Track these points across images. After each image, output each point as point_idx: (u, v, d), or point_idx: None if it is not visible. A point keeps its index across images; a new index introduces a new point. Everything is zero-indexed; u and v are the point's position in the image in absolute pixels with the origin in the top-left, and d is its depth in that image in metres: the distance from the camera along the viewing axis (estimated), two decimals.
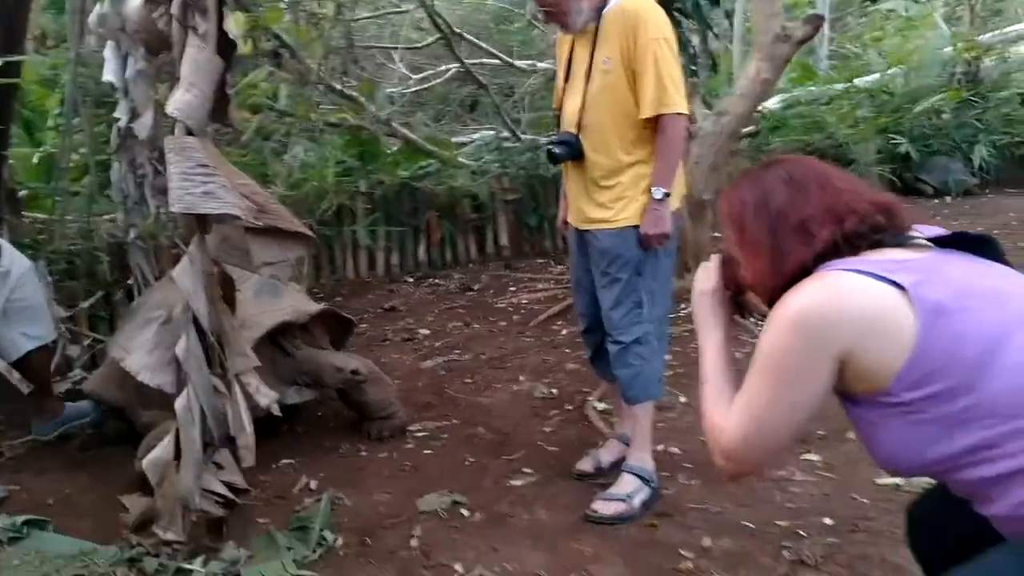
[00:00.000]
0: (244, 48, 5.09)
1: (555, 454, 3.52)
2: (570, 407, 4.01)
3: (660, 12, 2.85)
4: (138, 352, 2.94)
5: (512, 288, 6.26)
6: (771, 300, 1.57)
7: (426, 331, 5.30)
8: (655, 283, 2.98)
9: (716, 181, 5.27)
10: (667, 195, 2.84)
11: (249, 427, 2.77)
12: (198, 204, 2.62)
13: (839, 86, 9.81)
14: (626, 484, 3.02)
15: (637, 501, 2.98)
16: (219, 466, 2.86)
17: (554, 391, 4.21)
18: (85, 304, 4.45)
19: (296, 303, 3.72)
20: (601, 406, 3.95)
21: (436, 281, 6.55)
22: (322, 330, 3.94)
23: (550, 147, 3.01)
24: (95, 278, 4.61)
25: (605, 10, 2.85)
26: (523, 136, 7.84)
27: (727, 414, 1.60)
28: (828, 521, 2.89)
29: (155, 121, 3.09)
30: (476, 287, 6.32)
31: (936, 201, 8.99)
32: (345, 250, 6.53)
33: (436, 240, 6.94)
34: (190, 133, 2.67)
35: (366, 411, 3.74)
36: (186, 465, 2.66)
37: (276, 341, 3.62)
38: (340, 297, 6.10)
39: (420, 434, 3.76)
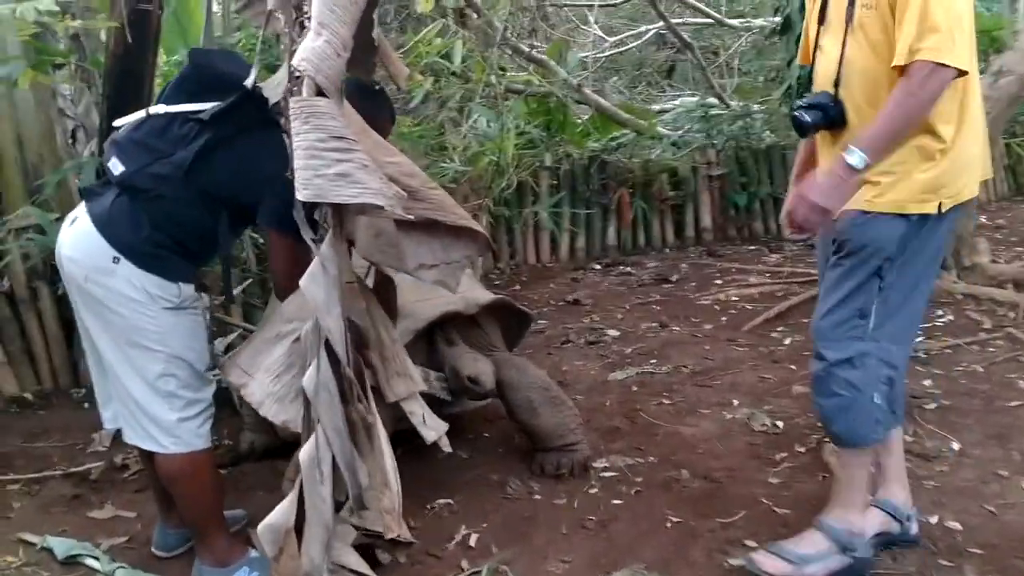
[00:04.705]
0: (424, 5, 4.49)
1: (787, 520, 2.63)
2: (801, 449, 3.09)
3: None
4: (262, 377, 2.33)
5: (717, 281, 5.33)
6: None
7: (615, 332, 4.50)
8: (894, 293, 2.16)
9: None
10: (867, 165, 2.00)
11: (396, 483, 2.12)
12: (328, 191, 1.93)
13: None
14: (808, 543, 2.31)
15: (814, 569, 2.27)
16: (363, 506, 2.19)
17: (779, 424, 3.29)
18: (237, 291, 3.98)
19: (466, 290, 3.04)
20: None
21: (627, 269, 5.73)
22: (494, 325, 3.25)
23: (798, 113, 2.20)
24: (246, 264, 4.17)
25: None
26: (731, 103, 6.85)
27: None
28: None
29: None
30: (674, 278, 5.44)
31: None
32: (526, 232, 5.85)
33: (628, 221, 6.10)
34: (320, 93, 1.99)
35: (537, 439, 3.01)
36: (311, 535, 2.04)
37: (431, 335, 2.98)
38: (518, 286, 5.43)
39: (607, 474, 2.98)
